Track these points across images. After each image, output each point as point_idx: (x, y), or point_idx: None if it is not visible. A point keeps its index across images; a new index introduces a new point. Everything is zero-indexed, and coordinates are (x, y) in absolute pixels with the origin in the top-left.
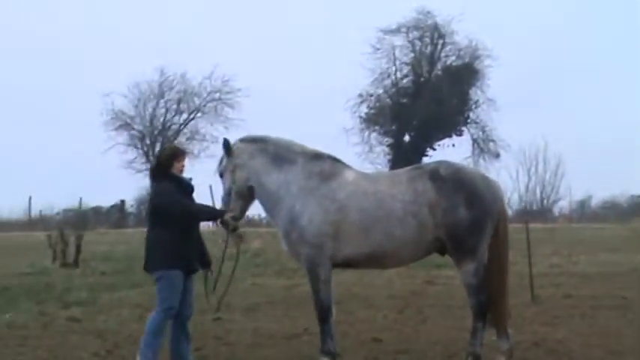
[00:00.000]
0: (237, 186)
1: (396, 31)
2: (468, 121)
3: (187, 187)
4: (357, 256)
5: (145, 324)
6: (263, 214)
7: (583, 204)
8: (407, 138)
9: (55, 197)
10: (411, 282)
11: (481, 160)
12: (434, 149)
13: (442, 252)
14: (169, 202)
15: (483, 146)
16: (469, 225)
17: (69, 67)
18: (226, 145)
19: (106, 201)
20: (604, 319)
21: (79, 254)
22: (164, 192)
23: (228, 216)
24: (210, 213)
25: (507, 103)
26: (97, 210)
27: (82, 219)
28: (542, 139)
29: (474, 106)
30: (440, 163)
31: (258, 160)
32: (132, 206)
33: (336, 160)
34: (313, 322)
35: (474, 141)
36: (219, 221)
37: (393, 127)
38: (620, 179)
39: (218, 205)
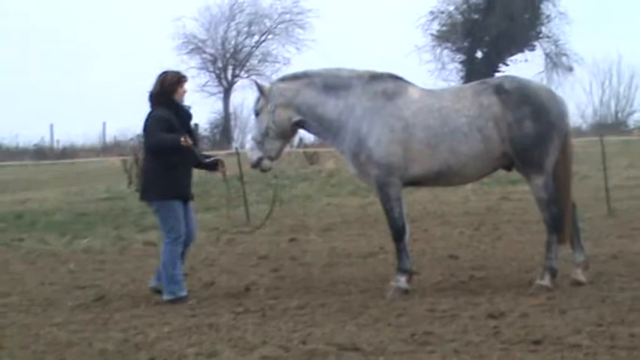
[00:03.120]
0: (277, 126)
1: None
2: (540, 35)
3: (186, 115)
4: (425, 173)
5: (220, 247)
6: None
7: None
8: (479, 54)
9: (129, 123)
10: (487, 198)
11: (554, 75)
12: (506, 65)
13: (508, 168)
14: (153, 140)
15: (556, 60)
16: (535, 138)
17: None
18: (259, 87)
19: None
20: None
21: None
22: (152, 125)
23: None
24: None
25: (580, 16)
26: None
27: None
28: (616, 52)
29: (545, 21)
30: (505, 77)
31: (307, 94)
32: (205, 130)
33: (397, 78)
34: (388, 241)
35: (547, 55)
36: (252, 165)
37: (465, 44)
38: None
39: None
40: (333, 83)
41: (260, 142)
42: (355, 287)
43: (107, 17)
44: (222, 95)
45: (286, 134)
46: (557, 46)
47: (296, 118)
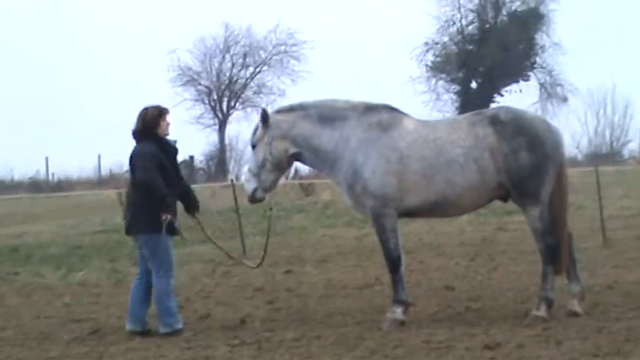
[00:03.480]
0: (273, 157)
1: None
2: (535, 66)
3: (171, 150)
4: (420, 204)
5: (215, 279)
6: None
7: None
8: (474, 85)
9: (124, 155)
10: (482, 229)
11: (549, 105)
12: (501, 95)
13: (504, 198)
14: (147, 175)
15: (551, 91)
16: (531, 169)
17: (133, 25)
18: (264, 115)
19: None
20: None
21: None
22: (145, 160)
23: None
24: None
25: (574, 46)
26: None
27: None
28: (610, 81)
29: (540, 51)
30: (500, 108)
31: (303, 126)
32: (201, 162)
33: (392, 109)
34: (384, 272)
35: (542, 86)
36: (250, 199)
37: (460, 75)
38: None
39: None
40: (328, 114)
41: (256, 175)
42: (351, 319)
43: (101, 48)
44: (217, 127)
45: (282, 166)
46: (551, 76)
47: (292, 150)
